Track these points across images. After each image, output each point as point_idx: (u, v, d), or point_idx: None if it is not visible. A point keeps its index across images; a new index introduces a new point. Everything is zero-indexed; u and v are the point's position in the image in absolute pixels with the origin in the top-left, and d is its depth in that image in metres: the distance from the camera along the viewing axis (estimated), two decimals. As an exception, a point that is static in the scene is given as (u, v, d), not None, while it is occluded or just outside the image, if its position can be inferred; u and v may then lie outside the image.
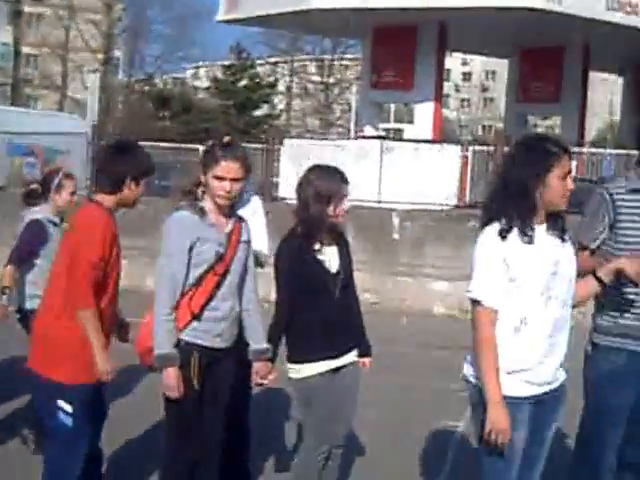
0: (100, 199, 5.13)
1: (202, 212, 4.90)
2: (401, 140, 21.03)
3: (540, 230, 4.27)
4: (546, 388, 4.32)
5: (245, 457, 6.08)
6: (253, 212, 5.91)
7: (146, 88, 60.54)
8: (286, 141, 18.95)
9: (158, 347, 4.80)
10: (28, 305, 6.68)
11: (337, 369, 5.29)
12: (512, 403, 4.22)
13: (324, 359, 5.22)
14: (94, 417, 5.20)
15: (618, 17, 25.16)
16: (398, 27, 25.61)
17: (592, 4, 24.23)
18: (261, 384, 5.31)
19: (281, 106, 64.71)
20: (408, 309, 14.01)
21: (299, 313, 5.20)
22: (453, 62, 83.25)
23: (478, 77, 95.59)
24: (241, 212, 5.33)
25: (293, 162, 18.08)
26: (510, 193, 4.21)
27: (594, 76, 42.13)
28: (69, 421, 4.96)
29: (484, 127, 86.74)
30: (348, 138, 26.15)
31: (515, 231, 4.20)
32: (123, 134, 33.21)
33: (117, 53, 64.47)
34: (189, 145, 21.33)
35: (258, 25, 36.78)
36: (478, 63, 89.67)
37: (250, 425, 6.10)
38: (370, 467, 6.67)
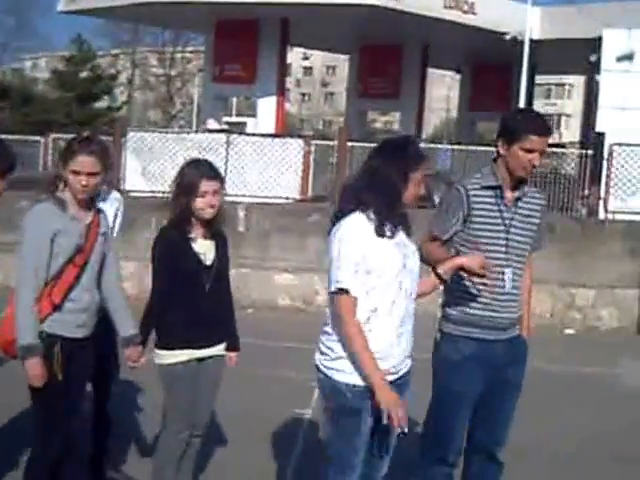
0: None
1: (62, 204, 4.93)
2: (243, 134, 20.76)
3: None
4: (391, 378, 4.40)
5: (105, 444, 6.27)
6: (111, 205, 6.08)
7: (-16, 79, 58.83)
8: (130, 133, 18.49)
9: (21, 338, 4.79)
10: None
11: (202, 359, 5.38)
12: (356, 391, 4.35)
13: (188, 348, 5.30)
14: None
15: (455, 16, 25.58)
16: (240, 21, 25.47)
17: (430, 2, 24.60)
18: (134, 367, 5.33)
19: (122, 98, 63.81)
20: (253, 302, 14.02)
21: (169, 301, 5.27)
22: (294, 57, 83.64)
23: (319, 72, 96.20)
24: (102, 205, 5.44)
25: (137, 154, 17.88)
26: (377, 188, 4.35)
27: (433, 73, 42.95)
28: None
29: (324, 122, 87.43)
30: (195, 132, 25.72)
31: (375, 224, 4.34)
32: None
33: (-47, 42, 62.43)
34: (29, 137, 20.72)
35: (99, 16, 35.91)
36: (319, 58, 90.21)
37: (111, 412, 6.27)
38: (226, 454, 6.88)
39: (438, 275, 4.65)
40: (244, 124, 29.18)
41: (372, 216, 4.35)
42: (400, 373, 4.50)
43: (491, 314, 4.94)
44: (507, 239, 4.96)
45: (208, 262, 5.34)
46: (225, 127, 26.44)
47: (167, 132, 22.19)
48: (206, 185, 5.25)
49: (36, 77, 70.92)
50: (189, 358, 5.31)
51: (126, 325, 5.25)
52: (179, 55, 62.96)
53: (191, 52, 60.63)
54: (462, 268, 4.67)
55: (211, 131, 22.89)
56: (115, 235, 5.95)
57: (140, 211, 14.40)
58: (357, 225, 4.35)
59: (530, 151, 4.84)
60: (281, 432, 7.61)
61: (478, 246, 4.87)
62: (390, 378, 4.38)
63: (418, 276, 4.55)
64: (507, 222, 4.97)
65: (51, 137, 19.79)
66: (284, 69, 28.13)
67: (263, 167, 17.19)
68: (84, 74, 53.48)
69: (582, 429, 8.23)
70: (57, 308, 4.90)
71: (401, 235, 4.47)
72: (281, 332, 12.03)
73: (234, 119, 33.34)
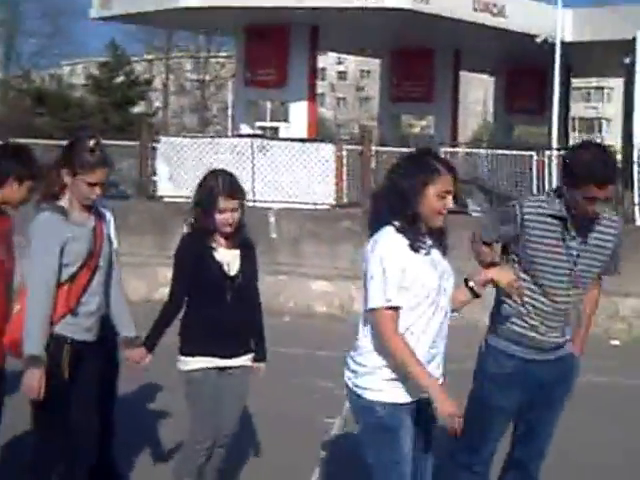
0: None
1: (64, 212, 4.90)
2: (274, 139, 20.39)
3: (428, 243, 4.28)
4: (425, 395, 4.25)
5: (110, 447, 6.05)
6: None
7: (23, 85, 59.15)
8: (162, 139, 18.10)
9: (28, 348, 4.76)
10: None
11: (225, 369, 5.31)
12: (395, 410, 4.24)
13: (208, 355, 5.25)
14: None
15: (485, 19, 25.16)
16: (270, 26, 25.21)
17: (459, 5, 24.20)
18: (134, 368, 5.34)
19: (158, 103, 63.80)
20: (290, 309, 13.66)
21: (191, 307, 5.30)
22: (328, 61, 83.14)
23: (353, 76, 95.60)
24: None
25: (169, 160, 17.48)
26: (394, 203, 4.20)
27: (471, 76, 42.58)
28: None
29: (360, 126, 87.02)
30: (226, 136, 25.43)
31: (409, 241, 4.17)
32: (1, 131, 31.85)
33: (-7, 49, 62.86)
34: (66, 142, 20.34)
35: (131, 22, 35.86)
36: (353, 62, 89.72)
37: (118, 416, 6.14)
38: (251, 462, 6.69)
39: (470, 288, 4.45)
40: (277, 129, 28.78)
41: (406, 234, 4.18)
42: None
43: (536, 335, 4.76)
44: (572, 270, 4.70)
45: (232, 272, 5.28)
46: (257, 132, 26.07)
47: (198, 137, 21.74)
48: (224, 203, 5.16)
49: (73, 83, 71.06)
50: (209, 366, 5.26)
51: (128, 326, 5.27)
52: (213, 60, 62.84)
53: (225, 57, 60.42)
54: (491, 283, 4.50)
55: (242, 136, 22.48)
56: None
57: (172, 217, 14.03)
58: (394, 240, 4.18)
59: (592, 199, 4.49)
60: (309, 439, 7.40)
61: (521, 290, 4.60)
62: (424, 396, 4.23)
63: (451, 294, 4.36)
64: (573, 253, 4.68)
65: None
66: (315, 74, 27.86)
67: (294, 172, 16.67)
68: (119, 79, 53.70)
69: (628, 441, 7.84)
70: (71, 311, 4.91)
71: (436, 253, 4.29)
72: (318, 340, 11.68)
73: (267, 124, 32.90)
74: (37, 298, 4.81)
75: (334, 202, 16.65)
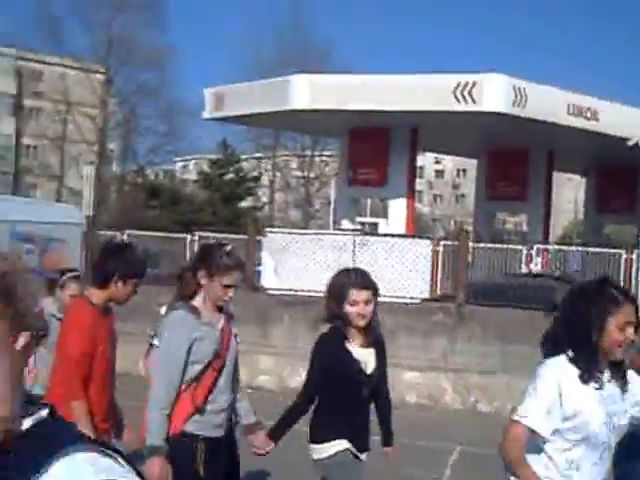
0: (89, 294, 5.32)
1: (196, 312, 5.02)
2: (374, 234, 20.95)
3: (604, 377, 4.02)
4: None
5: None
6: None
7: (138, 180, 60.78)
8: (268, 232, 18.88)
9: (150, 438, 4.86)
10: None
11: (357, 458, 5.32)
12: None
13: (348, 440, 5.26)
14: None
15: (579, 122, 25.37)
16: (372, 128, 25.71)
17: (554, 110, 24.43)
18: (260, 454, 5.38)
19: (264, 199, 64.99)
20: None
21: (326, 402, 5.29)
22: (426, 160, 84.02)
23: (450, 174, 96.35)
24: None
25: (274, 253, 18.11)
26: (573, 334, 4.00)
27: (563, 176, 42.29)
28: None
29: (455, 222, 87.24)
30: (328, 233, 25.96)
31: (580, 371, 3.96)
32: (116, 223, 33.18)
33: (111, 146, 64.84)
34: (177, 235, 21.32)
35: (242, 123, 36.91)
36: (450, 161, 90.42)
37: None
38: None
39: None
40: (376, 224, 29.34)
41: (581, 366, 3.96)
42: None
43: None
44: None
45: (369, 371, 5.30)
46: (357, 227, 26.68)
47: (302, 233, 22.46)
48: (356, 294, 5.18)
49: (185, 178, 72.99)
50: (346, 448, 5.25)
51: (250, 414, 5.38)
52: (317, 159, 63.84)
53: (328, 156, 61.40)
54: None
55: (343, 230, 23.12)
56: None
57: (275, 308, 14.61)
58: (559, 367, 3.99)
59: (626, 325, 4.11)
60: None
61: None
62: None
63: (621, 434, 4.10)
64: None
65: (197, 235, 20.33)
66: (414, 172, 28.20)
67: (392, 266, 17.19)
68: (229, 176, 54.84)
69: None
70: (198, 409, 4.97)
71: (612, 389, 4.03)
72: (408, 429, 11.49)
73: (367, 219, 33.61)
74: (160, 392, 4.92)
75: (428, 296, 17.11)
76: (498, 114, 23.33)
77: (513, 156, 29.17)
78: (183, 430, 4.91)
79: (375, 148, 26.14)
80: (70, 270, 7.51)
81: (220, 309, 5.15)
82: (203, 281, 5.04)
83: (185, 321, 4.99)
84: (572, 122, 25.19)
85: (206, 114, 29.40)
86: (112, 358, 5.37)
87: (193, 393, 4.96)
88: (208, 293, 5.04)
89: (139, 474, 1.56)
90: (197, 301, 5.08)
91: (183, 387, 4.97)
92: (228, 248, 5.12)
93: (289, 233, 20.49)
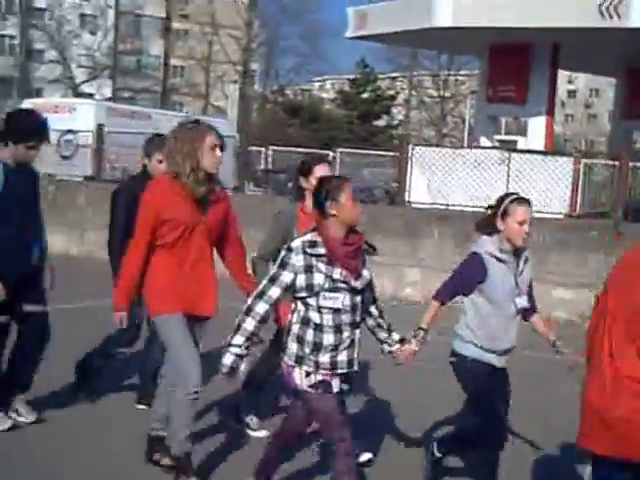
0: None
1: None
2: (516, 151, 20.15)
3: None
4: None
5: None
6: None
7: (279, 99, 61.04)
8: (416, 149, 18.29)
9: None
10: None
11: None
12: None
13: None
14: None
15: None
16: (513, 45, 24.85)
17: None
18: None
19: (400, 117, 64.27)
20: None
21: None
22: (559, 79, 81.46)
23: (582, 94, 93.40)
24: None
25: (421, 169, 17.60)
26: None
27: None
28: None
29: (587, 141, 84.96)
30: (469, 148, 25.29)
31: None
32: (258, 139, 33.25)
33: (254, 66, 65.10)
34: (317, 151, 21.11)
35: (384, 42, 36.23)
36: (582, 81, 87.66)
37: None
38: None
39: None
40: (515, 142, 28.44)
41: None
42: None
43: None
44: None
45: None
46: (496, 145, 25.93)
47: (445, 148, 21.89)
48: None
49: (322, 97, 72.68)
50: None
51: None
52: (452, 78, 62.72)
53: (464, 75, 60.24)
54: None
55: (484, 148, 22.45)
56: None
57: (424, 222, 14.21)
58: None
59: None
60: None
61: None
62: None
63: None
64: None
65: (338, 151, 20.04)
66: (554, 90, 27.20)
67: (534, 183, 16.55)
68: (366, 95, 54.47)
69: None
70: None
71: None
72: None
73: (505, 137, 32.71)
74: None
75: (567, 212, 16.49)
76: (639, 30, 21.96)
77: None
78: None
79: (515, 65, 25.29)
80: None
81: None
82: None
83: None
84: None
85: (349, 33, 28.89)
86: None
87: None
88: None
89: None
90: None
91: None
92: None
93: (437, 146, 19.98)
